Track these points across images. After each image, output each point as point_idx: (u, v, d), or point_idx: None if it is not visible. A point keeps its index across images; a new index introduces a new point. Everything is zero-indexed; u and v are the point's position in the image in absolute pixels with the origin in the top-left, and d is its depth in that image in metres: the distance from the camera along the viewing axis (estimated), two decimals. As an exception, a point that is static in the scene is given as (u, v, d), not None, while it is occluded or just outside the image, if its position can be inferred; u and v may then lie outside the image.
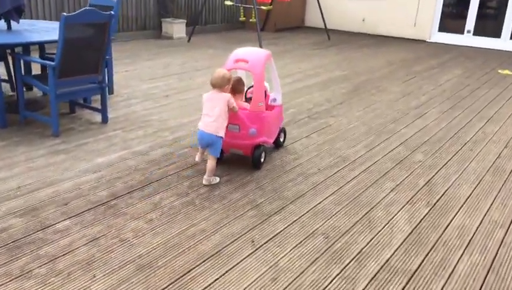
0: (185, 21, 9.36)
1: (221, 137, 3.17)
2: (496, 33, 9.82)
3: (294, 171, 3.48)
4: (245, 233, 2.63)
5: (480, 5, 9.90)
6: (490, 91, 6.15)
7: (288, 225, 2.74)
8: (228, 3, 9.17)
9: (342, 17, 11.25)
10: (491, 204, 3.08)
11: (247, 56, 3.42)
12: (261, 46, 8.21)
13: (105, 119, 4.23)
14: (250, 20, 8.89)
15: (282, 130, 3.93)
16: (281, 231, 2.68)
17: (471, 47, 9.76)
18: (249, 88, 3.65)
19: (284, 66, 7.08)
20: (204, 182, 3.19)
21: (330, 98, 5.53)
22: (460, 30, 10.20)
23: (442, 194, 3.20)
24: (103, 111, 4.22)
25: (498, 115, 5.06)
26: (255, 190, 3.15)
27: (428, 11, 10.20)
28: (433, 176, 3.50)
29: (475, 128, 4.62)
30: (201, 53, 7.91)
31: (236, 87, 3.40)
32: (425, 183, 3.36)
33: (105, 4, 4.96)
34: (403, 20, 10.51)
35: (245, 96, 3.63)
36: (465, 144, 4.20)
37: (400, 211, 2.97)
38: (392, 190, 3.25)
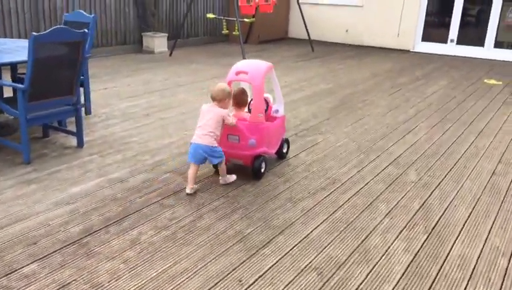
0: (167, 35, 9.16)
1: (216, 147, 3.24)
2: (479, 42, 9.84)
3: (283, 196, 3.29)
4: (232, 271, 2.42)
5: (462, 13, 9.92)
6: (478, 103, 6.07)
7: (278, 260, 2.53)
8: (210, 16, 9.01)
9: (326, 28, 11.18)
10: (490, 228, 2.93)
11: (248, 68, 3.51)
12: (244, 58, 8.04)
13: (80, 143, 3.99)
14: (233, 32, 8.73)
15: (286, 141, 3.96)
16: (271, 267, 2.47)
17: (455, 56, 9.76)
18: (252, 99, 3.64)
19: (267, 80, 6.90)
20: (221, 182, 3.38)
21: (317, 113, 5.37)
22: (443, 39, 10.20)
23: (439, 218, 3.04)
24: (78, 134, 3.98)
25: (488, 129, 4.96)
26: (242, 218, 2.94)
27: (411, 20, 10.19)
28: (428, 197, 3.34)
29: (467, 143, 4.49)
30: (184, 68, 7.70)
31: (239, 98, 3.51)
32: (421, 206, 3.19)
33: (81, 21, 4.74)
34: (386, 30, 10.48)
35: (248, 107, 3.65)
36: (458, 160, 4.06)
37: (396, 238, 2.79)
38: (386, 215, 3.07)
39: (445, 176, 3.71)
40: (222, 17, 9.25)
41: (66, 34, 3.56)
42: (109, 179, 3.42)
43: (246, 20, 8.75)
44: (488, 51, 9.72)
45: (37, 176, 3.41)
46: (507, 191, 3.46)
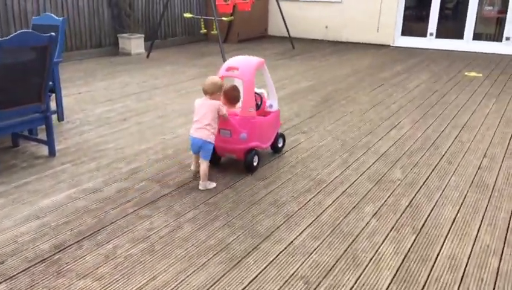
0: (143, 35, 8.94)
1: (210, 142, 3.28)
2: (459, 34, 9.86)
3: (266, 200, 3.16)
4: (214, 284, 2.28)
5: (440, 6, 9.93)
6: (459, 96, 6.04)
7: (263, 269, 2.40)
8: (188, 15, 8.83)
9: (306, 25, 11.09)
10: (480, 226, 2.85)
11: (238, 64, 3.58)
12: (224, 59, 7.90)
13: (52, 152, 3.80)
14: (212, 32, 8.57)
15: (281, 136, 4.00)
16: (255, 277, 2.34)
17: (435, 50, 9.76)
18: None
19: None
20: (200, 187, 3.28)
21: (299, 112, 5.26)
22: (423, 33, 10.20)
23: (427, 217, 2.95)
24: (50, 143, 3.78)
25: (472, 122, 4.91)
26: (224, 227, 2.80)
27: (390, 15, 10.17)
28: (415, 195, 3.26)
29: (451, 138, 4.43)
30: (161, 69, 7.51)
31: (231, 94, 3.56)
32: (408, 205, 3.10)
33: (50, 24, 4.53)
34: (365, 25, 10.44)
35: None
36: (443, 155, 3.99)
37: (384, 240, 2.69)
38: (374, 215, 2.97)
39: (431, 173, 3.63)
40: (200, 17, 9.07)
41: (31, 39, 3.37)
42: (82, 189, 3.25)
43: (224, 19, 8.59)
44: (467, 44, 9.75)
45: (5, 189, 3.21)
46: (494, 186, 3.39)
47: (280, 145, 4.00)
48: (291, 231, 2.77)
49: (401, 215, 2.98)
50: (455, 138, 4.43)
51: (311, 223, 2.87)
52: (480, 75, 7.33)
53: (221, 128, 3.44)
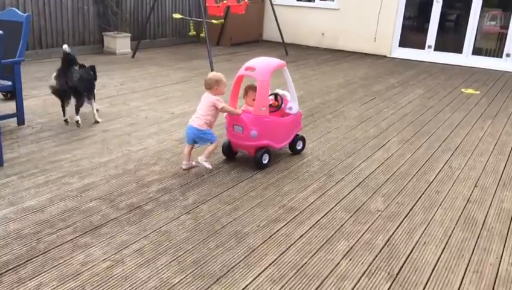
0: (130, 35, 8.59)
1: (202, 130, 3.54)
2: (458, 48, 9.54)
3: (227, 230, 2.81)
4: (144, 339, 1.93)
5: (440, 18, 9.61)
6: (454, 114, 5.70)
7: (206, 322, 2.05)
8: (177, 16, 8.49)
9: (301, 31, 10.76)
10: (464, 274, 2.50)
11: (256, 64, 3.70)
12: (211, 63, 7.56)
13: None
14: (201, 34, 8.23)
15: (301, 138, 4.10)
16: (196, 331, 1.99)
17: (433, 63, 9.43)
18: (269, 95, 3.83)
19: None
20: (198, 159, 3.58)
21: (281, 125, 4.91)
22: (421, 45, 9.88)
23: (406, 260, 2.60)
24: (-3, 151, 3.43)
25: (464, 145, 4.57)
26: (171, 263, 2.44)
27: (388, 25, 9.84)
28: (395, 231, 2.91)
29: (441, 162, 4.09)
30: (144, 71, 7.16)
31: (247, 92, 3.83)
32: (385, 243, 2.75)
33: (13, 20, 4.19)
34: (362, 34, 10.11)
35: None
36: (431, 183, 3.65)
37: (354, 287, 2.34)
38: (345, 255, 2.62)
39: (416, 204, 3.29)
40: (189, 18, 8.72)
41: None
42: (22, 208, 2.89)
43: (213, 21, 8.25)
44: (466, 58, 9.42)
45: None
46: (483, 224, 3.05)
47: (299, 147, 4.09)
48: (249, 271, 2.42)
49: (376, 255, 2.63)
50: (445, 163, 4.09)
51: (274, 261, 2.52)
52: (478, 92, 7.00)
53: (235, 124, 3.64)
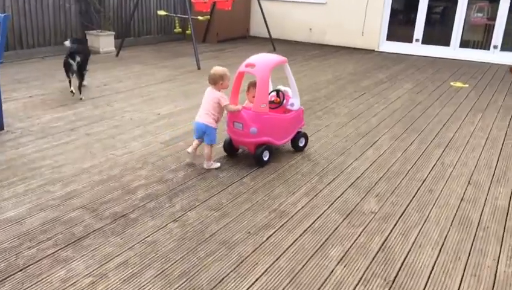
0: (114, 33, 8.40)
1: (213, 127, 3.55)
2: (445, 41, 9.51)
3: (217, 238, 2.70)
4: None
5: (427, 11, 9.56)
6: (444, 109, 5.64)
7: (196, 339, 1.95)
8: (161, 12, 8.30)
9: (289, 27, 10.64)
10: (462, 277, 2.43)
11: (256, 61, 3.70)
12: (197, 61, 7.42)
13: (-24, 171, 3.29)
14: (187, 31, 8.07)
15: (303, 135, 4.07)
16: None
17: (421, 56, 9.39)
18: (271, 92, 3.89)
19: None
20: (204, 166, 3.62)
21: (270, 124, 4.80)
22: (408, 38, 9.83)
23: (402, 263, 2.52)
24: (-27, 160, 3.28)
25: (456, 141, 4.51)
26: (158, 276, 2.33)
27: (375, 19, 9.77)
28: (390, 233, 2.83)
29: (433, 159, 4.02)
30: (129, 70, 6.99)
31: (249, 87, 3.81)
32: (381, 247, 2.67)
33: (-13, 20, 4.00)
34: (350, 29, 10.03)
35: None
36: (424, 181, 3.58)
37: (349, 296, 2.25)
38: (340, 261, 2.53)
39: (409, 203, 3.21)
40: (174, 15, 8.55)
41: None
42: (1, 219, 2.74)
43: (199, 18, 8.09)
44: (454, 51, 9.40)
45: None
46: (478, 223, 2.98)
47: (301, 144, 4.06)
48: (241, 283, 2.31)
49: (372, 260, 2.55)
50: (437, 159, 4.02)
51: (266, 270, 2.42)
52: (467, 85, 6.96)
53: (235, 121, 3.62)
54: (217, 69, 3.60)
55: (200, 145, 3.70)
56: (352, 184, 3.49)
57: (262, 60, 3.74)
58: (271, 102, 3.86)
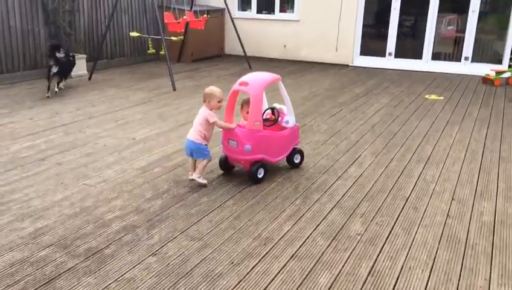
0: (85, 56, 8.22)
1: (199, 143, 3.60)
2: (417, 54, 9.67)
3: (198, 270, 2.56)
4: None
5: (399, 25, 9.71)
6: (421, 122, 5.66)
7: None
8: (134, 34, 8.18)
9: (264, 44, 10.66)
10: (455, 301, 2.35)
11: (250, 79, 3.73)
12: (173, 82, 7.30)
13: None
14: (160, 52, 7.95)
15: (298, 152, 4.09)
16: None
17: (394, 70, 9.51)
18: (266, 110, 3.97)
19: (196, 105, 6.17)
20: (193, 176, 3.67)
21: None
22: (382, 53, 9.95)
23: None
24: None
25: (436, 155, 4.50)
26: (137, 317, 2.17)
27: (348, 34, 9.87)
28: (377, 256, 2.74)
29: (415, 175, 3.98)
30: (102, 94, 6.82)
31: (243, 105, 3.86)
32: (369, 272, 2.58)
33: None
34: (324, 44, 10.10)
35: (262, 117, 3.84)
36: (408, 199, 3.52)
37: (340, 328, 2.14)
38: (330, 289, 2.42)
39: (395, 223, 3.14)
40: (147, 36, 8.44)
41: None
42: (-37, 264, 2.55)
43: (173, 38, 8.00)
44: (426, 64, 9.55)
45: None
46: (466, 240, 2.93)
47: (297, 161, 4.08)
48: (225, 320, 2.18)
49: (362, 287, 2.45)
50: (419, 175, 3.99)
51: (252, 304, 2.30)
52: (442, 98, 7.04)
53: (230, 138, 3.68)
54: (208, 88, 3.67)
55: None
56: (336, 205, 3.41)
57: (255, 78, 3.77)
58: (266, 120, 3.91)
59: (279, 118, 3.95)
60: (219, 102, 3.64)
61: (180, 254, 2.71)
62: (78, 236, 2.87)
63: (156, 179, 3.78)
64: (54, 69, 6.41)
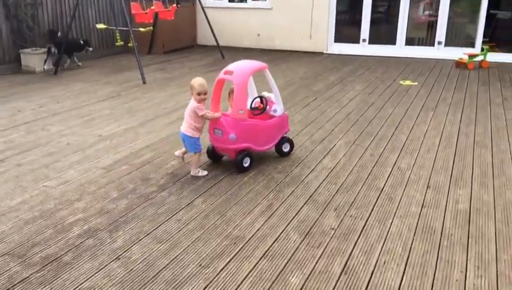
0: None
1: (192, 136, 3.57)
2: (391, 40, 9.62)
3: (164, 275, 2.41)
4: None
5: (372, 11, 9.63)
6: (396, 109, 5.60)
7: None
8: (101, 26, 7.89)
9: (237, 33, 10.46)
10: (431, 295, 2.27)
11: (234, 68, 3.67)
12: (142, 74, 7.06)
13: None
14: (129, 44, 7.69)
15: (288, 141, 4.05)
16: None
17: (369, 56, 9.45)
18: (255, 98, 3.89)
19: (167, 98, 5.99)
20: (191, 173, 3.64)
21: (221, 138, 4.55)
22: (356, 39, 9.88)
23: (367, 287, 2.33)
24: None
25: (410, 142, 4.43)
26: (96, 331, 2.02)
27: (322, 22, 9.75)
28: (351, 252, 2.64)
29: (389, 164, 3.91)
30: (68, 89, 6.54)
31: (229, 93, 3.83)
32: (343, 270, 2.47)
33: None
34: (298, 32, 9.97)
35: (251, 105, 3.85)
36: (382, 189, 3.44)
37: (313, 331, 2.03)
38: (301, 289, 2.31)
39: (370, 215, 3.05)
40: (115, 28, 8.14)
41: None
42: None
43: (141, 29, 7.73)
44: (400, 49, 9.52)
45: None
46: (442, 231, 2.86)
47: (286, 150, 4.03)
48: (191, 328, 2.04)
49: (335, 286, 2.34)
50: (394, 164, 3.91)
51: (220, 309, 2.17)
52: (416, 83, 7.01)
53: (215, 128, 3.64)
54: (193, 79, 3.60)
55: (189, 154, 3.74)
56: (309, 198, 3.30)
57: (240, 66, 3.71)
58: (255, 108, 3.87)
59: (267, 107, 3.89)
60: (198, 94, 3.50)
61: (145, 258, 2.56)
62: (35, 243, 2.69)
63: (122, 178, 3.60)
64: (53, 50, 7.44)
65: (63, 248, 2.65)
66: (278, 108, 3.90)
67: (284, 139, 4.01)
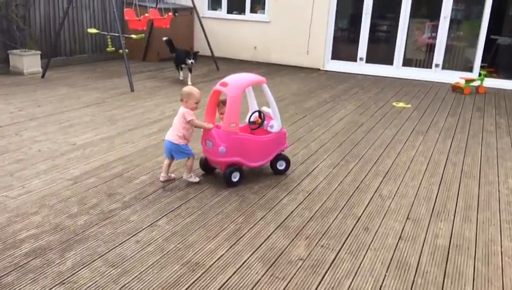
0: (40, 52, 7.75)
1: (178, 144, 3.52)
2: (388, 60, 9.50)
3: (109, 305, 2.22)
4: None
5: (371, 30, 9.53)
6: (385, 131, 5.43)
7: None
8: (92, 31, 7.76)
9: (233, 45, 10.35)
10: None
11: (230, 80, 3.60)
12: (131, 82, 6.92)
13: None
14: (119, 51, 7.55)
15: (284, 158, 3.94)
16: None
17: (365, 75, 9.32)
18: (253, 112, 3.87)
19: (152, 108, 5.82)
20: (184, 177, 3.66)
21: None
22: (353, 57, 9.75)
23: (328, 329, 2.14)
24: None
25: (396, 168, 4.25)
26: None
27: (320, 38, 9.64)
28: (317, 288, 2.45)
29: (370, 190, 3.72)
30: (53, 93, 6.39)
31: (218, 103, 3.77)
32: (305, 307, 2.28)
33: None
34: (295, 47, 9.85)
35: (249, 119, 3.86)
36: (359, 218, 3.25)
37: None
38: (254, 328, 2.12)
39: (342, 246, 2.86)
40: (106, 33, 8.02)
41: None
42: None
43: (133, 36, 7.61)
44: (397, 70, 9.39)
45: None
46: (417, 267, 2.66)
47: (281, 168, 3.93)
48: None
49: (293, 325, 2.15)
50: (375, 191, 3.73)
51: None
52: (409, 105, 6.85)
53: (207, 139, 3.60)
54: (187, 87, 3.62)
55: (182, 161, 3.72)
56: (281, 224, 3.11)
57: (236, 79, 3.65)
58: (253, 122, 3.83)
59: (265, 122, 3.82)
60: (196, 103, 3.56)
61: (92, 284, 2.37)
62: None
63: (86, 192, 3.42)
64: (190, 61, 7.57)
65: (6, 267, 2.46)
66: (275, 124, 3.81)
67: (280, 157, 3.90)
